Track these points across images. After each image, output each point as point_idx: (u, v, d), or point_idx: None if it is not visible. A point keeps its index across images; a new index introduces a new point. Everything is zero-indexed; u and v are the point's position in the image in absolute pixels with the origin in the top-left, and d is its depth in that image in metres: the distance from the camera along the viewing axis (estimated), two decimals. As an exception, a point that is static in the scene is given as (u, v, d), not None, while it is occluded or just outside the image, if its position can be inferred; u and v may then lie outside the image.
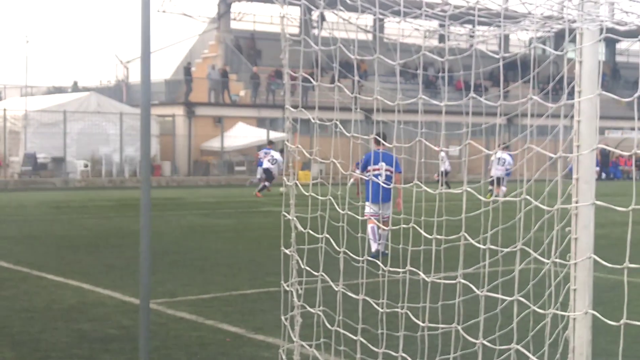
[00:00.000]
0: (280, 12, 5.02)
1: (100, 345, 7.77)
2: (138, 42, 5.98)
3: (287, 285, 5.42)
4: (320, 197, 5.25)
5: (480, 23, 4.47)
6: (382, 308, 4.99)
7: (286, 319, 5.54)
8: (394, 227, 5.09)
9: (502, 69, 4.02)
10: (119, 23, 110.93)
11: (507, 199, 4.27)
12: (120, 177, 42.01)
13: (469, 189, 4.14)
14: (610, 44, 68.01)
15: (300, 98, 5.15)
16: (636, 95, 3.44)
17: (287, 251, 5.33)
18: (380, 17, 4.60)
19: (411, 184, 4.67)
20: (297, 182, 5.16)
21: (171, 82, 51.82)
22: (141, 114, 5.99)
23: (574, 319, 4.82)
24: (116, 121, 42.65)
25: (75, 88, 56.18)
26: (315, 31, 49.17)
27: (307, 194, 5.23)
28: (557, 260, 4.69)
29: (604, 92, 4.07)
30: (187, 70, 49.80)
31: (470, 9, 4.01)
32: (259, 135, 45.68)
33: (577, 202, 4.95)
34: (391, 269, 4.92)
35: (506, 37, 61.13)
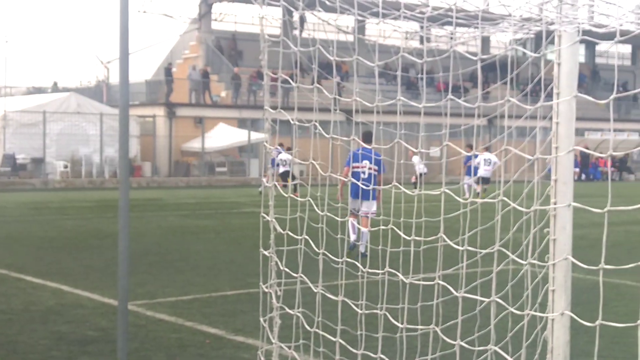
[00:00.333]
0: (259, 13, 5.01)
1: (79, 347, 7.72)
2: (118, 43, 5.96)
3: (266, 287, 5.41)
4: (299, 199, 5.24)
5: (460, 25, 4.49)
6: (361, 309, 5.00)
7: (265, 321, 5.54)
8: (373, 229, 5.09)
9: (479, 71, 4.03)
10: (99, 23, 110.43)
11: (485, 200, 4.28)
12: (101, 178, 41.80)
13: (447, 191, 4.15)
14: (590, 45, 68.40)
15: (279, 99, 5.14)
16: (612, 97, 3.46)
17: (266, 252, 5.32)
18: (359, 18, 4.60)
19: (390, 185, 4.67)
20: (276, 183, 5.16)
21: (152, 82, 51.63)
22: (120, 114, 5.97)
23: (553, 319, 4.84)
24: (96, 122, 42.44)
25: (55, 88, 55.84)
26: (297, 32, 49.16)
27: (285, 195, 5.23)
28: (536, 261, 4.71)
29: (580, 95, 4.09)
30: (167, 70, 49.64)
31: (449, 10, 4.02)
32: (240, 136, 45.59)
33: (555, 204, 4.98)
34: (370, 270, 4.92)
35: (487, 39, 61.34)
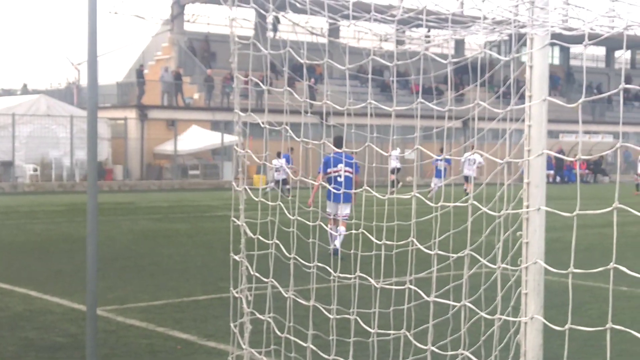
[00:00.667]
0: (230, 14, 4.99)
1: (48, 353, 7.66)
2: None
3: (237, 292, 5.40)
4: (270, 203, 5.24)
5: (432, 27, 4.51)
6: (332, 314, 5.00)
7: (235, 326, 5.52)
8: (346, 232, 5.10)
9: (449, 73, 4.05)
10: (70, 24, 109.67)
11: (456, 204, 4.30)
12: (71, 181, 41.49)
13: (417, 195, 4.16)
14: (564, 47, 68.90)
15: (249, 101, 5.14)
16: (581, 100, 3.49)
17: (236, 257, 5.31)
18: (330, 21, 4.60)
19: (361, 189, 4.68)
20: (246, 187, 5.16)
21: (123, 84, 51.35)
22: (88, 117, 5.93)
23: (525, 323, 4.87)
24: (67, 124, 42.12)
25: (25, 90, 55.37)
26: (271, 34, 49.15)
27: (256, 199, 5.23)
28: (508, 266, 4.74)
29: (550, 98, 4.12)
30: (139, 72, 49.39)
31: (420, 13, 4.04)
32: (213, 138, 45.47)
33: (527, 207, 5.02)
34: (341, 274, 4.93)
35: (461, 41, 61.71)
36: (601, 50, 73.73)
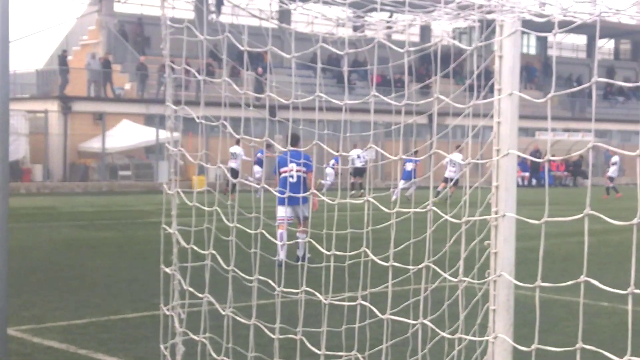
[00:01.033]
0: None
1: (-48, 380, 7.54)
2: None
3: (168, 309, 5.37)
4: (206, 208, 5.22)
5: (390, 11, 4.51)
6: (275, 334, 4.99)
7: (166, 348, 5.49)
8: (289, 242, 5.09)
9: (406, 64, 4.07)
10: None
11: (416, 210, 4.32)
12: (-17, 182, 40.98)
13: (370, 199, 4.17)
14: (541, 36, 69.56)
15: (183, 93, 5.10)
16: (550, 95, 3.54)
17: (167, 270, 5.28)
18: (277, 2, 4.60)
19: (308, 192, 4.69)
20: (179, 190, 5.13)
21: (44, 72, 50.78)
22: (-1, 109, 5.85)
23: (493, 342, 4.91)
24: (-22, 117, 41.58)
25: None
26: (213, 16, 49.01)
27: (190, 203, 5.20)
28: (469, 279, 4.78)
29: (516, 92, 4.16)
30: (62, 59, 48.88)
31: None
32: (147, 134, 45.15)
33: (497, 213, 5.06)
34: (286, 289, 4.92)
35: (427, 28, 62.06)
36: (582, 39, 74.68)
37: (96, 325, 9.99)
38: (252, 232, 5.09)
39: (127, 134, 45.03)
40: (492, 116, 5.11)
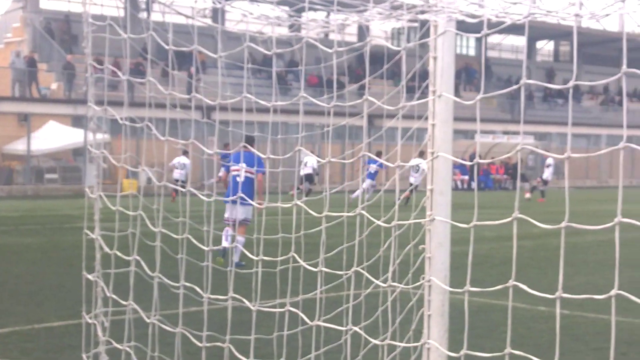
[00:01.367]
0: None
1: None
2: None
3: (90, 317, 5.32)
4: (130, 212, 5.17)
5: (315, 10, 4.52)
6: (202, 342, 4.97)
7: (89, 357, 5.44)
8: (214, 247, 5.07)
9: (335, 65, 4.09)
10: None
11: (348, 214, 4.34)
12: None
13: (299, 203, 4.18)
14: (481, 37, 70.28)
15: (105, 92, 5.07)
16: (478, 97, 3.58)
17: (90, 276, 5.23)
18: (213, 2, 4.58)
19: (235, 197, 4.68)
20: (101, 194, 5.08)
21: (-35, 71, 49.98)
22: None
23: (428, 348, 4.95)
24: None
25: None
26: (144, 14, 48.66)
27: (113, 208, 5.15)
28: (397, 284, 4.81)
29: (446, 94, 4.21)
30: (-15, 57, 48.17)
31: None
32: (74, 136, 44.66)
33: (431, 216, 5.10)
34: (212, 296, 4.90)
35: (365, 28, 62.27)
36: (521, 41, 75.70)
37: (19, 334, 9.87)
38: (179, 237, 5.06)
39: (53, 136, 44.49)
40: (426, 118, 5.16)
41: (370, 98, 4.19)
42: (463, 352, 3.87)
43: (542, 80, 69.59)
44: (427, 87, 5.00)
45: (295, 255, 4.33)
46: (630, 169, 63.76)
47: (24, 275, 14.69)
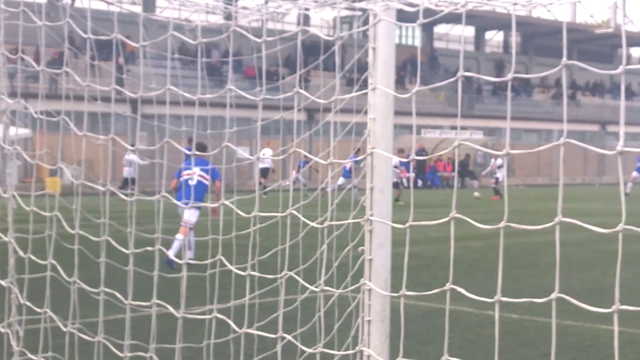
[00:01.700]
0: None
1: None
2: None
3: (3, 326, 5.22)
4: (46, 213, 5.08)
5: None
6: (124, 352, 4.90)
7: (2, 370, 5.33)
8: (137, 250, 4.99)
9: (264, 56, 4.04)
10: None
11: (271, 214, 4.30)
12: None
13: (226, 202, 4.13)
14: (427, 27, 70.62)
15: (19, 84, 4.97)
16: (414, 91, 3.56)
17: (2, 282, 5.13)
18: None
19: (157, 196, 4.62)
20: (14, 193, 4.99)
21: None
22: None
23: (368, 356, 4.93)
24: None
25: None
26: (68, 1, 48.12)
27: (27, 208, 5.06)
28: (329, 288, 4.79)
29: (381, 87, 4.19)
30: None
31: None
32: (-6, 132, 44.06)
33: (371, 216, 5.07)
34: (134, 302, 4.83)
35: (307, 17, 62.25)
36: (470, 31, 76.27)
37: None
38: (98, 239, 4.97)
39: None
40: (365, 112, 5.13)
41: (302, 91, 4.15)
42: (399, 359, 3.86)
43: (491, 71, 70.08)
44: (358, 78, 4.98)
45: (222, 258, 4.28)
46: (582, 166, 64.45)
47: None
